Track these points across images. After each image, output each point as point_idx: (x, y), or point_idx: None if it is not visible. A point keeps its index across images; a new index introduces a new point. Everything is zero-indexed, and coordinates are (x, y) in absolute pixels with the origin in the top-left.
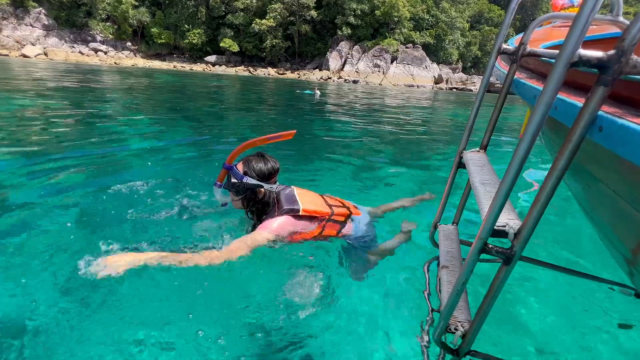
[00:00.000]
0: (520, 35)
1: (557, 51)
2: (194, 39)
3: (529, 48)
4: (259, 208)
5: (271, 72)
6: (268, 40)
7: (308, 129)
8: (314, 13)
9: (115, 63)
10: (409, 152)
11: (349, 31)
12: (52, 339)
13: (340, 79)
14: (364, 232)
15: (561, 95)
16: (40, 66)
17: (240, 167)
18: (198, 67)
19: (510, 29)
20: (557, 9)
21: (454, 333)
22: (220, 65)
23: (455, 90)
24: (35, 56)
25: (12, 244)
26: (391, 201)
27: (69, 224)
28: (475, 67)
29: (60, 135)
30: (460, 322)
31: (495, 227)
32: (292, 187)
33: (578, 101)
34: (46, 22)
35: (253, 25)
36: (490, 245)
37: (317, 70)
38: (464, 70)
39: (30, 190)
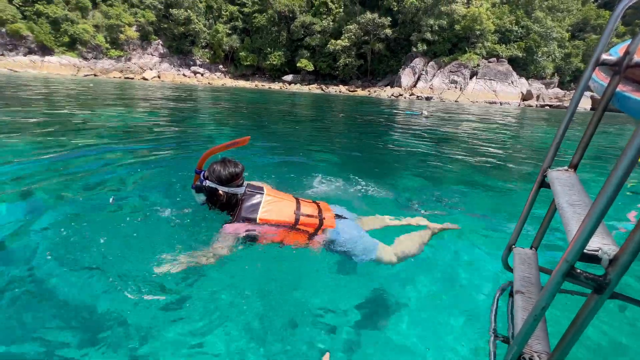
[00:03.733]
0: (626, 43)
1: None
2: (274, 60)
3: (636, 58)
4: (222, 208)
5: (342, 89)
6: (341, 59)
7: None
8: (388, 31)
9: (209, 83)
10: (485, 172)
11: (424, 47)
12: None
13: (412, 96)
14: (333, 243)
15: None
16: (154, 86)
17: (206, 172)
18: (276, 86)
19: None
20: None
21: None
22: (296, 83)
23: (548, 107)
24: (151, 78)
25: (132, 234)
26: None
27: (187, 210)
28: (575, 82)
29: (165, 141)
30: (536, 352)
31: (585, 251)
32: (263, 192)
33: None
34: (162, 51)
35: (328, 45)
36: (578, 270)
37: (389, 87)
38: (561, 85)
39: (142, 188)
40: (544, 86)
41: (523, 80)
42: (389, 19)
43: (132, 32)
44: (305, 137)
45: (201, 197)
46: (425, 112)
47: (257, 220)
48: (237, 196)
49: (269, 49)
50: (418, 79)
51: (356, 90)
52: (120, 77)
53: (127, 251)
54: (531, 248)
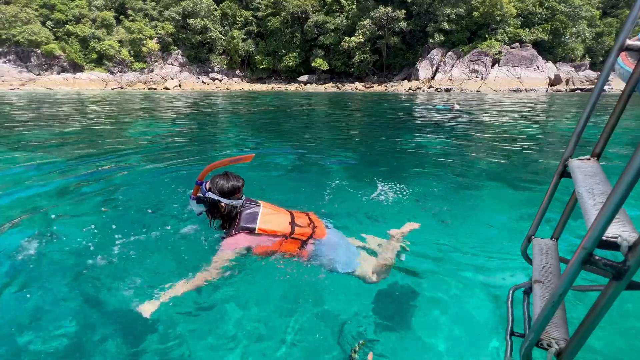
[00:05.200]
0: None
1: None
2: (289, 62)
3: None
4: (222, 219)
5: (358, 86)
6: (356, 56)
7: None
8: (403, 24)
9: (227, 88)
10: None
11: (442, 38)
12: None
13: (431, 88)
14: (321, 252)
15: None
16: (175, 96)
17: (207, 184)
18: (292, 87)
19: None
20: None
21: (546, 349)
22: (311, 83)
23: (579, 91)
24: (173, 87)
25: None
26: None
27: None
28: None
29: (185, 148)
30: (555, 339)
31: (604, 238)
32: (260, 205)
33: None
34: (181, 60)
35: (342, 43)
36: (596, 257)
37: (406, 81)
38: (593, 67)
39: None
40: (573, 69)
41: (550, 64)
42: (403, 11)
43: (153, 44)
44: (324, 143)
45: (200, 208)
46: (457, 106)
47: (256, 230)
48: (236, 208)
49: (283, 51)
50: (436, 70)
51: (372, 86)
52: (144, 88)
53: (163, 265)
54: (551, 238)
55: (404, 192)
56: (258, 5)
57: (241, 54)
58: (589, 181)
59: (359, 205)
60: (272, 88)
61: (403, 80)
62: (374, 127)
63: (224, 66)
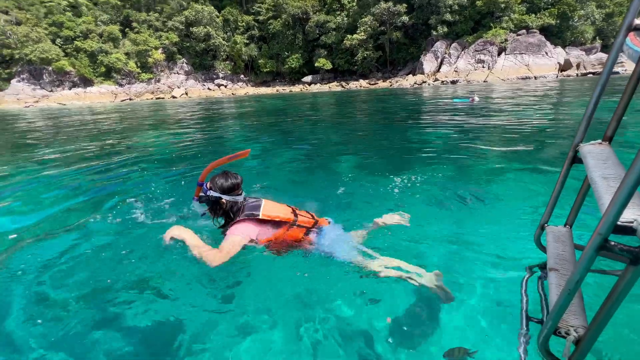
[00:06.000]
0: None
1: None
2: (292, 63)
3: None
4: (225, 216)
5: (363, 84)
6: (359, 54)
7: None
8: (405, 18)
9: (232, 94)
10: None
11: (445, 29)
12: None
13: (437, 81)
14: (324, 240)
15: None
16: (182, 103)
17: (208, 184)
18: (296, 88)
19: None
20: None
21: (565, 337)
22: (316, 83)
23: (591, 75)
24: (180, 96)
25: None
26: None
27: None
28: None
29: (192, 154)
30: (573, 326)
31: (619, 223)
32: (262, 200)
33: None
34: (186, 69)
35: (345, 41)
36: (612, 242)
37: (410, 75)
38: (604, 49)
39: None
40: (584, 53)
41: (559, 49)
42: (405, 5)
43: (158, 55)
44: (331, 142)
45: (203, 207)
46: (477, 98)
47: (260, 215)
48: (237, 204)
49: (286, 53)
50: (441, 63)
51: (377, 83)
52: (152, 98)
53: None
54: (565, 225)
55: (418, 186)
56: (259, 9)
57: (245, 59)
58: (602, 166)
59: (370, 202)
60: (277, 90)
61: (408, 74)
62: (383, 125)
63: (229, 72)
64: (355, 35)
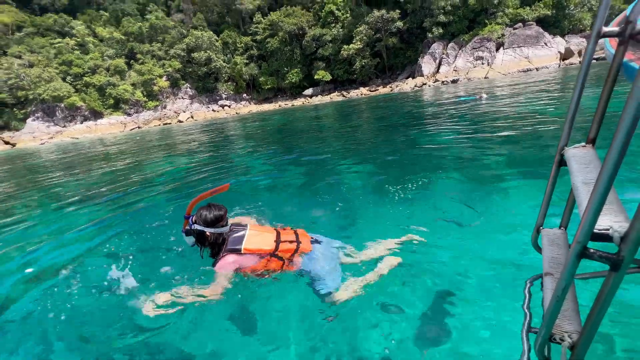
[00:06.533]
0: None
1: None
2: (292, 78)
3: (639, 25)
4: (211, 247)
5: (363, 91)
6: (357, 62)
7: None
8: (399, 24)
9: (236, 113)
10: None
11: (440, 31)
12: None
13: (437, 82)
14: (306, 266)
15: None
16: (188, 127)
17: (194, 217)
18: (298, 102)
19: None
20: None
21: (560, 343)
22: (317, 95)
23: (594, 61)
24: (186, 120)
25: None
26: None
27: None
28: None
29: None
30: (567, 332)
31: (595, 231)
32: (247, 228)
33: None
34: (190, 93)
35: (342, 52)
36: (591, 250)
37: (410, 79)
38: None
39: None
40: (584, 40)
41: (558, 39)
42: (398, 11)
43: (163, 82)
44: (334, 152)
45: (191, 240)
46: (485, 95)
47: (242, 250)
48: (222, 235)
49: (285, 69)
50: (440, 64)
51: (377, 89)
52: (159, 125)
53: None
54: (560, 228)
55: (420, 192)
56: (255, 29)
57: (246, 78)
58: (584, 170)
59: (368, 212)
60: (279, 106)
61: (407, 78)
62: (385, 133)
63: (231, 92)
64: (351, 45)
